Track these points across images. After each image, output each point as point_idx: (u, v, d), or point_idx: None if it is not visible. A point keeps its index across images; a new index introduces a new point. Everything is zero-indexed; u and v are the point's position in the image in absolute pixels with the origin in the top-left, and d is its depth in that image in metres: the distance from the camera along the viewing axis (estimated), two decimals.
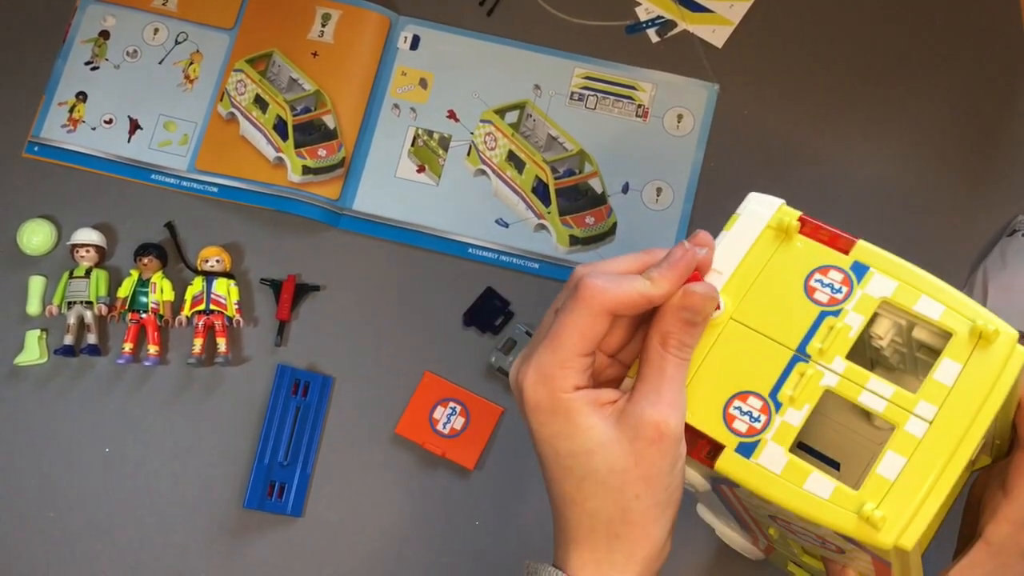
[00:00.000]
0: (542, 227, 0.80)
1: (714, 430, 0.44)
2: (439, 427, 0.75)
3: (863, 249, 0.46)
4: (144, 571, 0.74)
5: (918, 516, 0.40)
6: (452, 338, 0.78)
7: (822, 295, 0.45)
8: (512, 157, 0.81)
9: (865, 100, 0.82)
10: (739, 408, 0.44)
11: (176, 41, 0.86)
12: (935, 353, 0.44)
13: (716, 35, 0.84)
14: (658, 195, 0.80)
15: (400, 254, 0.80)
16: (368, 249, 0.80)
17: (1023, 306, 0.72)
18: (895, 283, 0.44)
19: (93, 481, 0.76)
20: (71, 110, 0.84)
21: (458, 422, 0.75)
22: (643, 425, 0.42)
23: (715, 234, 0.48)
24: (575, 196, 0.80)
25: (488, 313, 0.78)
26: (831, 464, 0.50)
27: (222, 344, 0.77)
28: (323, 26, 0.85)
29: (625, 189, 0.80)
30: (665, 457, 0.42)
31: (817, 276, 0.45)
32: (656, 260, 0.45)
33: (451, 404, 0.76)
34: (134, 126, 0.84)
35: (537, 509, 0.74)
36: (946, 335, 0.43)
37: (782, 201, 0.48)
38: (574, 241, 0.79)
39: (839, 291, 0.45)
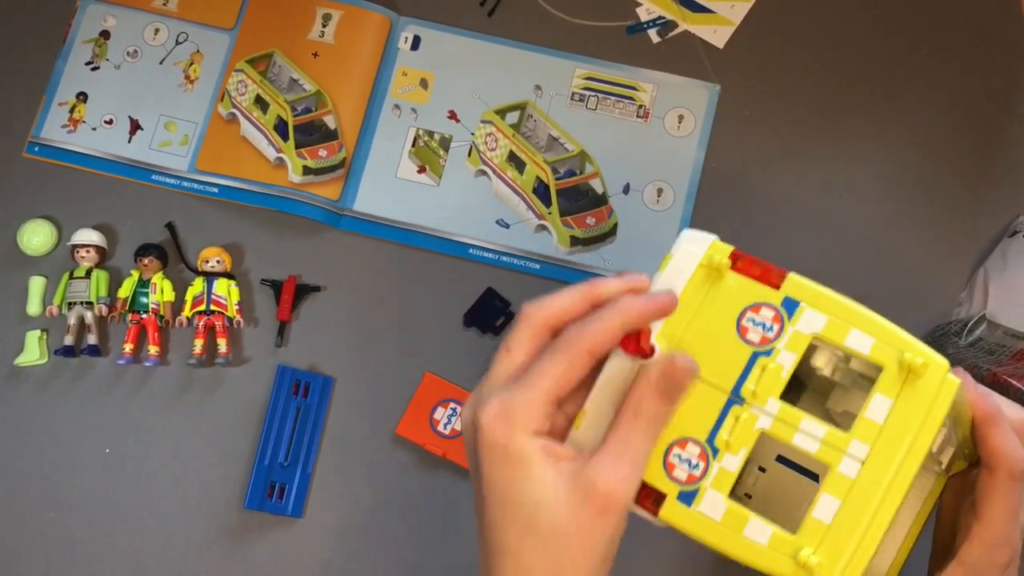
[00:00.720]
0: (543, 228, 0.80)
1: (656, 479, 0.43)
2: (440, 428, 0.75)
3: (793, 283, 0.45)
4: (144, 572, 0.74)
5: (855, 559, 0.40)
6: (453, 339, 0.78)
7: (754, 335, 0.44)
8: (513, 158, 0.81)
9: (865, 100, 0.82)
10: (678, 455, 0.43)
11: (176, 41, 0.86)
12: (873, 382, 0.43)
13: (717, 36, 0.84)
14: (659, 196, 0.80)
15: (401, 255, 0.80)
16: (369, 250, 0.80)
17: (1023, 307, 0.72)
18: (825, 317, 0.44)
19: (93, 482, 0.76)
20: (71, 110, 0.84)
21: (459, 423, 0.75)
22: (594, 494, 0.41)
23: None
24: (576, 197, 0.80)
25: (489, 314, 0.78)
26: (810, 476, 0.49)
27: (222, 345, 0.77)
28: (324, 26, 0.85)
29: (626, 190, 0.80)
30: (607, 530, 0.42)
31: (749, 315, 0.45)
32: (601, 292, 0.45)
33: (452, 405, 0.76)
34: (134, 126, 0.84)
35: None
36: (878, 368, 0.43)
37: (715, 237, 0.47)
38: (575, 242, 0.79)
39: (770, 329, 0.44)
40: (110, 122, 0.84)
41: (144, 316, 0.78)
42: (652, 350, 0.44)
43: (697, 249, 0.46)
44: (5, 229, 0.81)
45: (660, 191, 0.80)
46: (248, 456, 0.76)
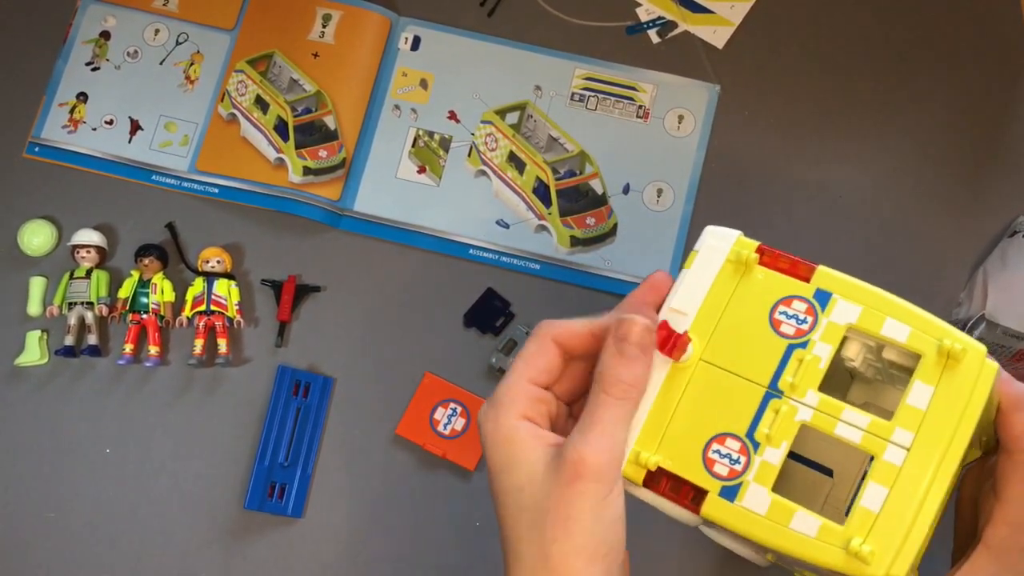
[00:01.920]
0: (543, 228, 0.80)
1: (696, 475, 0.44)
2: (440, 428, 0.75)
3: (824, 275, 0.45)
4: (144, 572, 0.74)
5: (906, 545, 0.40)
6: (453, 339, 0.78)
7: (788, 327, 0.45)
8: (513, 158, 0.81)
9: (865, 101, 0.82)
10: (718, 451, 0.43)
11: (177, 42, 0.86)
12: (907, 371, 0.44)
13: (717, 36, 0.84)
14: (659, 196, 0.80)
15: (401, 255, 0.80)
16: (369, 250, 0.80)
17: (1023, 307, 0.72)
18: (859, 308, 0.44)
19: (93, 482, 0.76)
20: (72, 111, 0.84)
21: (459, 423, 0.75)
22: (563, 464, 0.41)
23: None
24: (576, 197, 0.80)
25: (489, 314, 0.78)
26: (824, 471, 0.50)
27: (223, 345, 0.77)
28: (324, 27, 0.85)
29: (626, 190, 0.80)
30: (584, 499, 0.41)
31: (781, 308, 0.45)
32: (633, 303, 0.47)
33: (452, 405, 0.76)
34: (135, 127, 0.84)
35: None
36: (915, 356, 0.43)
37: (739, 233, 0.47)
38: (575, 242, 0.79)
39: (804, 322, 0.45)
40: (110, 122, 0.84)
41: (144, 316, 0.78)
42: (685, 347, 0.45)
43: (723, 244, 0.47)
44: (5, 229, 0.81)
45: (660, 191, 0.80)
46: (248, 456, 0.76)
